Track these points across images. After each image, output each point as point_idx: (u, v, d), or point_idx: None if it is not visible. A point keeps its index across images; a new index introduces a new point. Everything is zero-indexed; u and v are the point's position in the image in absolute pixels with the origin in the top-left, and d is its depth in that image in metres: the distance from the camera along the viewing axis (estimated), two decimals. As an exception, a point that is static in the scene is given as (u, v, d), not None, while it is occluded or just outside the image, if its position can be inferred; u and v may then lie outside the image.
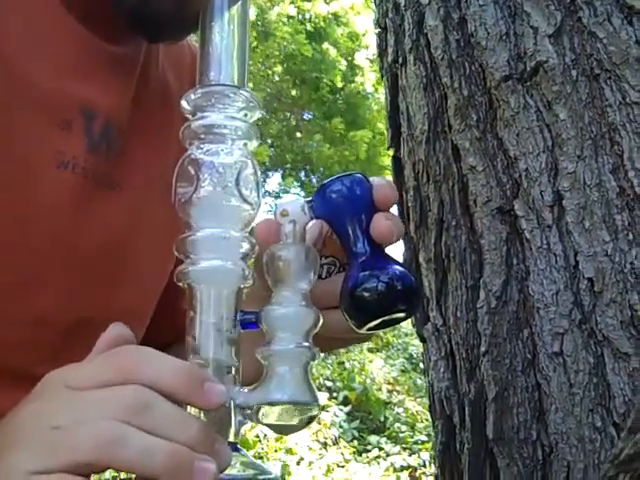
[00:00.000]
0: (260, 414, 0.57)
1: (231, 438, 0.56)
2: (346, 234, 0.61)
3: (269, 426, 0.59)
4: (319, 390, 5.89)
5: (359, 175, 0.62)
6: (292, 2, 10.22)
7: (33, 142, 0.66)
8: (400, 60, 1.24)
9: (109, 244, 0.73)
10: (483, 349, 1.02)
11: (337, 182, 0.62)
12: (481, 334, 1.03)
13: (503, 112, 1.05)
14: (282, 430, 0.61)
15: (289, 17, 10.19)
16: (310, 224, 0.64)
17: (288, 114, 11.31)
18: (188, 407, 0.53)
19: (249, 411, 0.57)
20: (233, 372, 0.57)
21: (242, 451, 0.57)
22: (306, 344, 0.59)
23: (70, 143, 0.68)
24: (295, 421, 0.59)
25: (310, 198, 0.63)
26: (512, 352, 1.00)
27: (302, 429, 0.62)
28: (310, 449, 5.23)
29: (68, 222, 0.69)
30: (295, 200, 0.64)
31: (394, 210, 0.66)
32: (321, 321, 0.60)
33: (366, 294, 0.58)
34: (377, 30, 1.34)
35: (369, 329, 0.60)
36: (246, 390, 0.58)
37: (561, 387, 0.95)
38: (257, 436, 4.83)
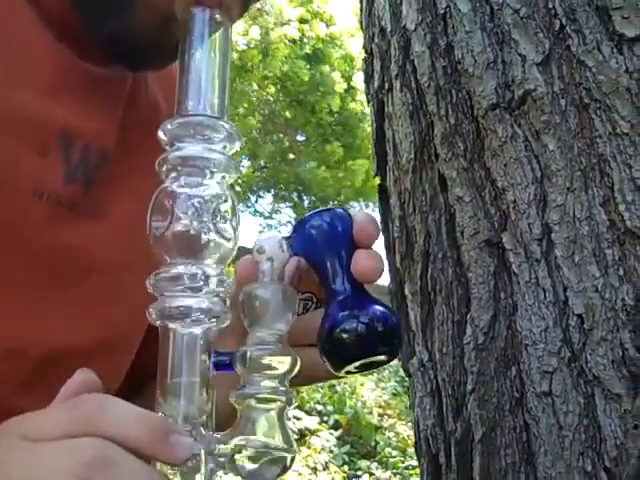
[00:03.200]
0: (233, 462, 0.55)
1: (200, 486, 0.53)
2: (325, 271, 0.59)
3: (241, 475, 0.56)
4: (309, 414, 5.87)
5: (340, 210, 0.60)
6: (289, 23, 10.31)
7: (11, 169, 0.63)
8: (386, 86, 1.21)
9: (91, 273, 0.71)
10: (470, 387, 0.99)
11: (317, 217, 0.60)
12: (467, 371, 1.00)
13: (491, 141, 1.02)
14: (255, 479, 0.58)
15: (291, 40, 10.28)
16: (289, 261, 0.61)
17: (281, 135, 11.37)
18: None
19: (222, 459, 0.54)
20: (205, 416, 0.54)
21: (212, 501, 0.54)
22: (282, 388, 0.57)
23: (48, 170, 0.66)
24: (269, 469, 0.56)
25: (288, 234, 0.61)
26: (499, 390, 0.97)
27: (275, 479, 0.59)
28: (299, 474, 5.18)
29: (44, 252, 0.67)
30: (273, 236, 0.61)
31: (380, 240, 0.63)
32: (298, 365, 0.58)
33: (345, 335, 0.55)
34: (363, 55, 1.32)
35: (347, 372, 0.58)
36: (218, 435, 0.55)
37: (550, 429, 0.91)
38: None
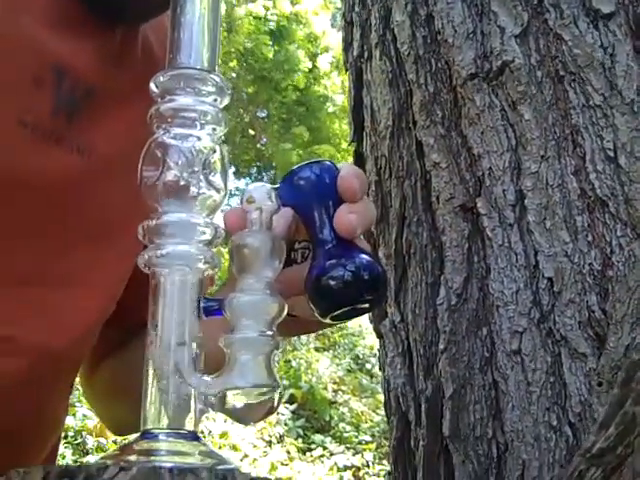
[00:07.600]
0: (222, 401, 0.56)
1: (190, 427, 0.55)
2: (312, 221, 0.60)
3: (231, 415, 0.58)
4: (265, 388, 5.90)
5: (328, 162, 0.61)
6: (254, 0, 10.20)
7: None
8: (366, 55, 1.23)
9: (66, 206, 0.70)
10: (442, 346, 1.02)
11: (306, 169, 0.61)
12: (440, 331, 1.03)
13: (468, 110, 1.05)
14: (244, 419, 0.60)
15: (255, 17, 10.16)
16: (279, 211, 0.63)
17: (241, 111, 11.27)
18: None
19: (211, 399, 0.56)
20: (195, 359, 0.56)
21: (202, 440, 0.56)
22: (270, 333, 0.58)
23: (38, 101, 0.66)
24: (258, 408, 0.58)
25: (277, 185, 0.63)
26: (470, 350, 1.00)
27: (263, 418, 0.61)
28: (254, 446, 5.22)
29: (21, 179, 0.66)
30: (262, 186, 0.62)
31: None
32: (286, 310, 0.59)
33: (332, 282, 0.57)
34: (343, 24, 1.33)
35: (333, 318, 0.60)
36: (208, 378, 0.57)
37: (518, 385, 0.95)
38: (202, 432, 4.80)
